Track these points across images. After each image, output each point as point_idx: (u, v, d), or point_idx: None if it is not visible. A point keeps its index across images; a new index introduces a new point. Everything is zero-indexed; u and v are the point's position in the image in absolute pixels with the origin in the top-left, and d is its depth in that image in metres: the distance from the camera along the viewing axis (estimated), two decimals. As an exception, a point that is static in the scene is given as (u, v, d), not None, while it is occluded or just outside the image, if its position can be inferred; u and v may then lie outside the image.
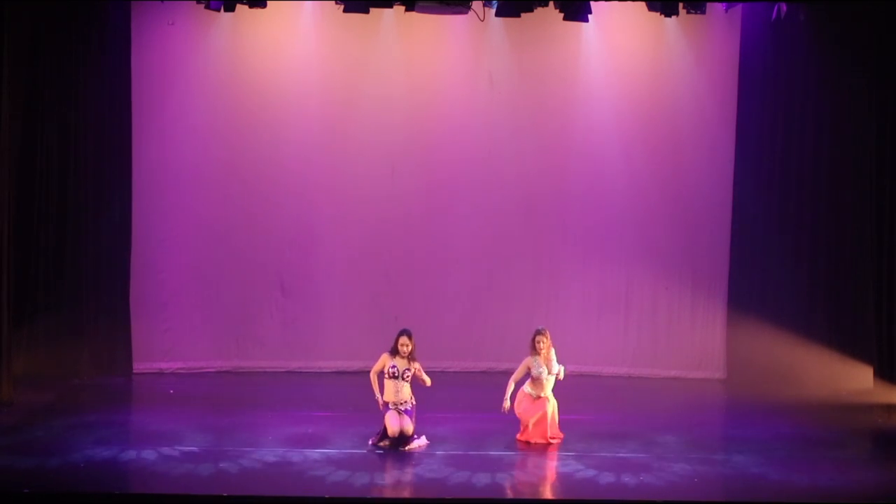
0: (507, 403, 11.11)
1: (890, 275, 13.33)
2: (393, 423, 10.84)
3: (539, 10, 13.33)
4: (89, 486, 9.63)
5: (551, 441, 11.11)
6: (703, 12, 13.43)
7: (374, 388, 11.01)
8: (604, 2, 13.45)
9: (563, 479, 10.40)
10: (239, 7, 13.21)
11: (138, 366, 14.02)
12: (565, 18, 13.34)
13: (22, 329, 13.10)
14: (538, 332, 11.31)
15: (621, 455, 10.83)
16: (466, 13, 13.37)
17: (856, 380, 13.72)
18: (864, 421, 12.63)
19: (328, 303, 14.47)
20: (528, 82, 14.46)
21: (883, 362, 13.40)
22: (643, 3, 13.30)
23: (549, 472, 10.57)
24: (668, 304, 14.56)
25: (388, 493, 9.98)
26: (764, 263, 14.27)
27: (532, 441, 11.10)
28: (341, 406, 12.56)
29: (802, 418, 12.51)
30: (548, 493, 10.23)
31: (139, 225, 14.05)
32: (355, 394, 13.10)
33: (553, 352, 11.31)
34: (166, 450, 10.65)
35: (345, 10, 13.30)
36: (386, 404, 10.95)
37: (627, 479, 10.13)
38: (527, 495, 10.06)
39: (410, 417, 10.91)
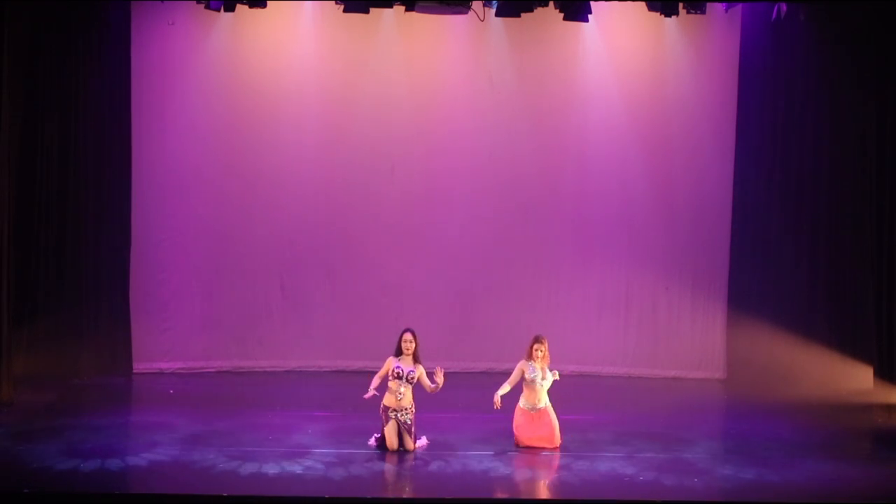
0: (497, 399, 11.02)
1: (890, 275, 13.33)
2: (392, 439, 10.82)
3: (539, 11, 13.33)
4: (89, 487, 9.64)
5: (552, 446, 11.08)
6: (703, 12, 13.44)
7: (372, 384, 10.88)
8: (604, 2, 13.46)
9: (562, 479, 10.40)
10: (239, 7, 13.21)
11: (138, 366, 14.02)
12: (565, 18, 13.34)
13: (22, 329, 13.10)
14: (537, 340, 11.25)
15: (621, 455, 10.83)
16: (466, 13, 13.38)
17: (856, 380, 13.72)
18: (864, 421, 12.63)
19: (328, 303, 14.47)
20: (527, 82, 14.46)
21: (883, 362, 13.40)
22: (643, 3, 13.30)
23: (549, 472, 10.57)
24: (668, 304, 14.56)
25: (388, 493, 9.98)
26: (764, 263, 14.28)
27: (532, 445, 11.08)
28: (341, 406, 12.55)
29: (802, 418, 12.51)
30: (547, 493, 10.24)
31: (139, 225, 14.05)
32: (355, 394, 13.09)
33: (547, 366, 11.22)
34: (166, 450, 10.65)
35: (345, 10, 13.30)
36: (385, 409, 10.90)
37: (627, 479, 10.14)
38: (526, 495, 10.06)
39: (410, 433, 10.87)
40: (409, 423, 10.89)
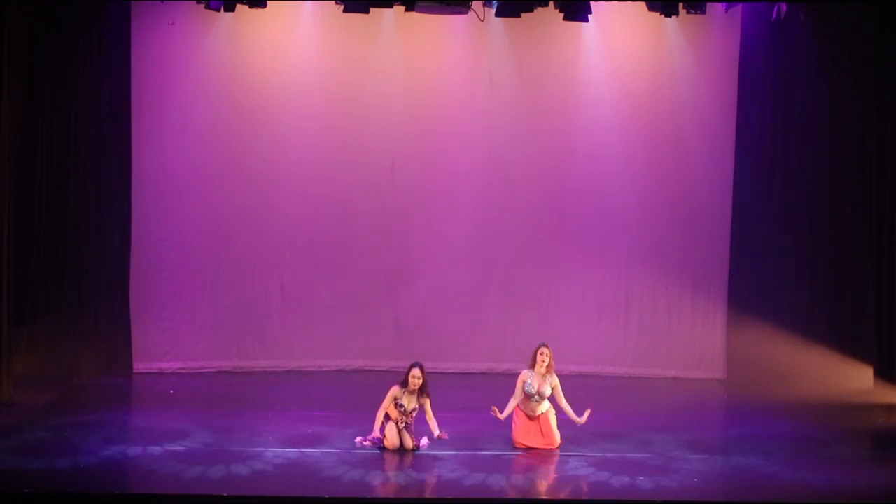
0: (499, 413, 11.00)
1: (890, 275, 13.33)
2: (393, 439, 10.82)
3: (539, 10, 13.32)
4: (89, 487, 9.63)
5: (550, 447, 11.07)
6: (703, 12, 13.43)
7: (375, 425, 10.84)
8: (604, 2, 13.45)
9: (562, 479, 10.41)
10: (239, 7, 13.20)
11: (138, 366, 14.01)
12: (565, 18, 13.34)
13: (22, 329, 13.09)
14: (542, 345, 11.18)
15: (621, 455, 10.84)
16: (466, 13, 13.37)
17: (856, 380, 13.72)
18: (864, 421, 12.63)
19: (328, 302, 14.46)
20: (527, 82, 14.45)
21: (883, 362, 13.40)
22: (643, 3, 13.29)
23: (549, 472, 10.57)
24: (668, 304, 14.55)
25: (388, 493, 9.98)
26: (764, 263, 14.27)
27: (532, 446, 11.07)
28: (341, 405, 12.56)
29: (802, 418, 12.51)
30: (547, 493, 10.24)
31: (139, 225, 14.04)
32: (355, 393, 13.12)
33: (550, 375, 11.15)
34: (166, 450, 10.66)
35: (345, 10, 13.30)
36: (385, 419, 10.93)
37: (627, 479, 10.14)
38: (526, 495, 10.06)
39: (410, 433, 10.86)
40: (410, 423, 10.89)
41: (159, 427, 11.46)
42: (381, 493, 9.95)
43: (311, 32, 14.20)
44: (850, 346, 13.89)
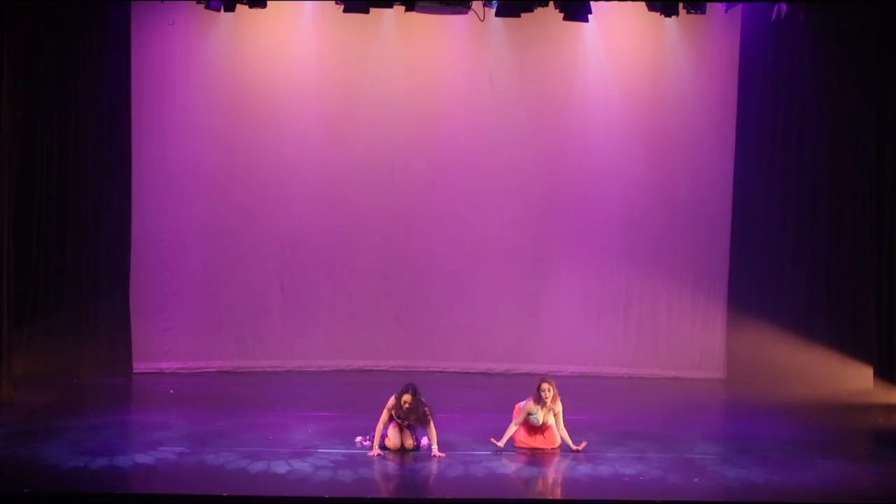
0: (497, 441, 10.92)
1: (890, 275, 13.33)
2: (394, 438, 10.81)
3: (539, 10, 13.32)
4: (89, 486, 9.63)
5: (550, 447, 11.06)
6: (703, 12, 13.43)
7: (375, 441, 10.73)
8: (604, 2, 13.45)
9: (562, 479, 10.41)
10: (239, 7, 13.20)
11: (138, 366, 14.02)
12: (565, 18, 13.34)
13: (22, 329, 13.09)
14: (543, 381, 10.96)
15: (621, 455, 10.82)
16: (466, 13, 13.37)
17: (856, 380, 13.72)
18: (864, 421, 12.63)
19: (328, 302, 14.46)
20: (527, 82, 14.45)
21: (883, 362, 13.40)
22: (643, 3, 13.30)
23: (549, 472, 10.56)
24: (668, 304, 14.55)
25: (388, 493, 9.98)
26: (764, 263, 14.27)
27: (532, 446, 11.07)
28: (341, 405, 12.56)
29: (802, 418, 12.51)
30: (547, 493, 10.24)
31: (139, 225, 14.04)
32: (355, 393, 13.12)
33: (555, 408, 10.99)
34: (166, 450, 10.65)
35: (345, 10, 13.30)
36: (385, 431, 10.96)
37: (627, 479, 10.13)
38: (526, 495, 10.05)
39: (411, 432, 10.85)
40: (402, 420, 10.90)
41: (159, 427, 11.46)
42: (380, 493, 9.94)
43: (311, 32, 14.21)
44: (850, 346, 13.89)
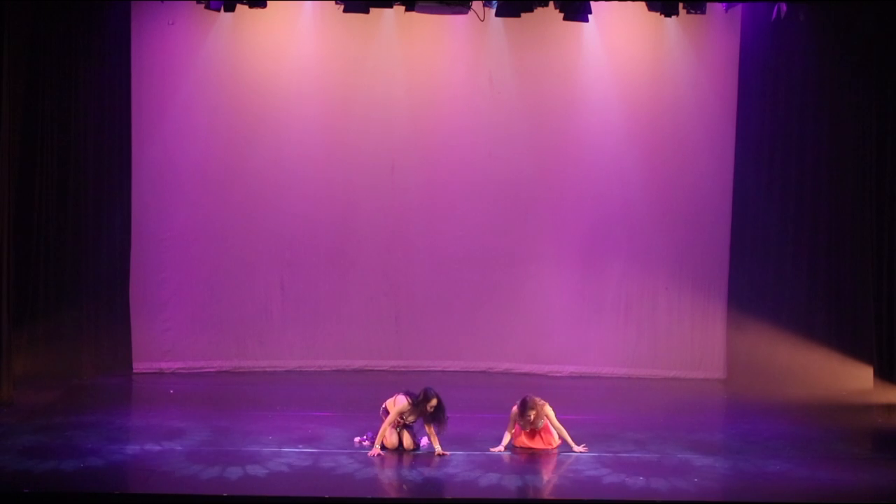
0: (495, 448, 10.94)
1: (890, 275, 13.33)
2: (393, 438, 10.81)
3: (539, 10, 13.32)
4: (89, 486, 9.63)
5: (549, 447, 11.06)
6: (703, 12, 13.43)
7: (377, 442, 10.72)
8: (604, 2, 13.46)
9: (562, 479, 10.40)
10: (239, 7, 13.21)
11: (138, 366, 14.02)
12: (565, 18, 13.34)
13: (22, 329, 13.09)
14: (524, 407, 10.80)
15: (621, 455, 10.83)
16: (466, 13, 13.37)
17: (856, 380, 13.72)
18: (864, 421, 12.63)
19: (328, 302, 14.46)
20: (527, 82, 14.44)
21: (883, 362, 13.40)
22: (643, 3, 13.30)
23: (548, 472, 10.56)
24: (668, 304, 14.54)
25: (388, 493, 9.98)
26: (764, 263, 14.27)
27: (531, 447, 11.06)
28: (341, 405, 12.56)
29: (802, 418, 12.50)
30: (547, 493, 10.24)
31: (139, 225, 14.05)
32: (355, 393, 13.12)
33: (549, 410, 10.98)
34: (166, 450, 10.65)
35: (345, 10, 13.30)
36: (386, 410, 10.88)
37: (627, 479, 10.13)
38: (526, 495, 10.05)
39: (410, 432, 10.86)
40: (410, 422, 10.90)
41: (159, 427, 11.46)
42: (380, 492, 9.94)
43: (311, 33, 14.21)
44: (850, 346, 13.89)
